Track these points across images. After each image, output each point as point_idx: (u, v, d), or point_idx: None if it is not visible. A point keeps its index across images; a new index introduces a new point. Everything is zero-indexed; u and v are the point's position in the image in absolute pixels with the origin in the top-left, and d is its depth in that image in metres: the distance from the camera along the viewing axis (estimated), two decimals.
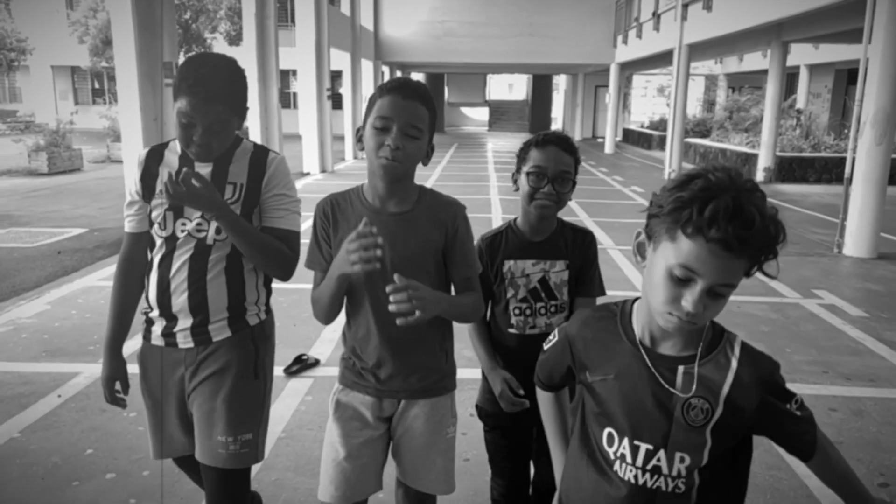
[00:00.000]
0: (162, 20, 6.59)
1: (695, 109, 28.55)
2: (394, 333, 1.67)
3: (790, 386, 1.24)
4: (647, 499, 1.22)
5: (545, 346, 1.45)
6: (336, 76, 20.24)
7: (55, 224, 8.62)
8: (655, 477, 1.22)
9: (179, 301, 1.86)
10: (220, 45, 24.52)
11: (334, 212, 1.72)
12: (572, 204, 10.66)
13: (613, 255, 7.18)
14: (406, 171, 1.65)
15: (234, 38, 24.20)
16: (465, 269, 1.73)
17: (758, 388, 1.20)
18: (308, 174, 14.80)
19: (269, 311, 2.02)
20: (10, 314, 5.01)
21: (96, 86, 31.26)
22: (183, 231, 1.85)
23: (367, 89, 19.66)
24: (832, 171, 14.48)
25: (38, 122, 25.48)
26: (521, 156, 1.98)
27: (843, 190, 7.73)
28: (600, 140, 26.69)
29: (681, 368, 1.21)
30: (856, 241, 7.45)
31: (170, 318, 1.88)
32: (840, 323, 5.12)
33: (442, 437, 1.78)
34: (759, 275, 1.14)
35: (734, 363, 1.21)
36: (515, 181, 2.00)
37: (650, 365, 1.22)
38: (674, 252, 1.11)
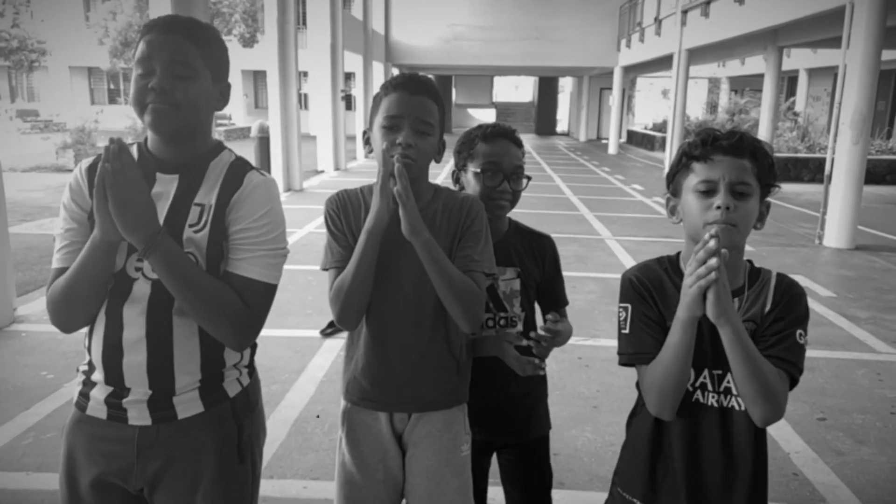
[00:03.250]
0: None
1: (698, 112, 29.12)
2: (400, 340, 1.58)
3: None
4: (725, 418, 1.39)
5: (622, 324, 1.46)
6: (348, 78, 20.92)
7: None
8: (728, 397, 1.39)
9: (134, 364, 1.36)
10: (234, 47, 25.29)
11: (345, 207, 1.61)
12: (574, 199, 11.31)
13: (611, 244, 7.81)
14: (420, 169, 1.55)
15: (249, 41, 24.98)
16: (469, 250, 1.56)
17: (786, 305, 1.40)
18: (323, 171, 15.51)
19: (253, 372, 1.53)
20: None
21: (112, 86, 32.12)
22: (139, 269, 1.36)
23: None
24: None
25: (55, 121, 26.30)
26: (465, 151, 1.80)
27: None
28: (604, 141, 27.31)
29: (735, 301, 1.38)
30: (835, 233, 8.06)
31: (118, 384, 1.37)
32: (810, 301, 5.70)
33: (456, 456, 1.63)
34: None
35: (772, 288, 1.42)
36: (458, 180, 1.81)
37: None
38: (693, 179, 1.38)
